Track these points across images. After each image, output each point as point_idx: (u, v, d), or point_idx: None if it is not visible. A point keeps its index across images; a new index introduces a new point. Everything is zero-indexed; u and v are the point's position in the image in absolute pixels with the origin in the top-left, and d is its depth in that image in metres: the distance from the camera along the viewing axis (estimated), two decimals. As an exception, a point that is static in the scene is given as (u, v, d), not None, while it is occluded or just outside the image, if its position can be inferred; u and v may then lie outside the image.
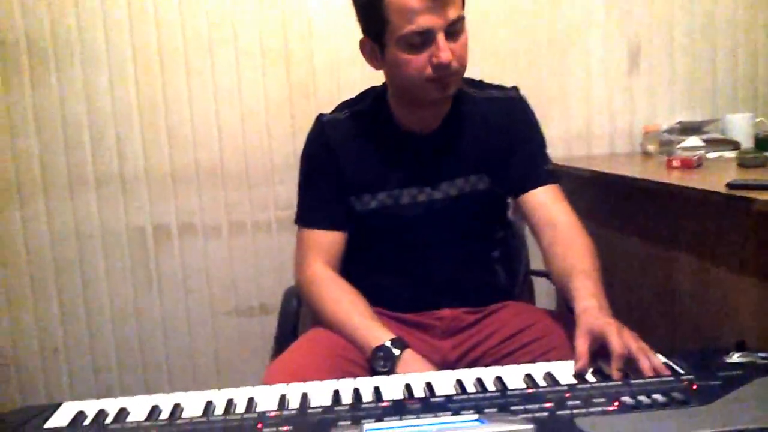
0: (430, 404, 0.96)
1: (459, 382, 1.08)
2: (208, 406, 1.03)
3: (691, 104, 2.41)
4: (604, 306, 1.22)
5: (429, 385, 1.08)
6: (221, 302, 2.32)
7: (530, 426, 0.79)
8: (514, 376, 1.09)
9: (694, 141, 2.12)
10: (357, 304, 1.43)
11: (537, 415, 0.89)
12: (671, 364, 1.07)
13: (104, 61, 2.19)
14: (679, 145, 2.11)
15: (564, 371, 1.10)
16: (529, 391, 0.99)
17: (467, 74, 1.54)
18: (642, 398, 0.91)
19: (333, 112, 1.59)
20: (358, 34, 1.45)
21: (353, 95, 1.61)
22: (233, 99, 2.24)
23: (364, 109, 1.56)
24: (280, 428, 0.90)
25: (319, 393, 1.07)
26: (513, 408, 0.91)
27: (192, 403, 1.05)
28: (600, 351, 1.10)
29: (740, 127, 2.23)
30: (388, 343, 1.31)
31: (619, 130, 2.40)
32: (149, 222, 2.26)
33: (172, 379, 2.32)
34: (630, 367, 1.06)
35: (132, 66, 2.20)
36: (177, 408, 1.03)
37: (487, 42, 2.31)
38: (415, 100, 1.45)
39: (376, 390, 1.07)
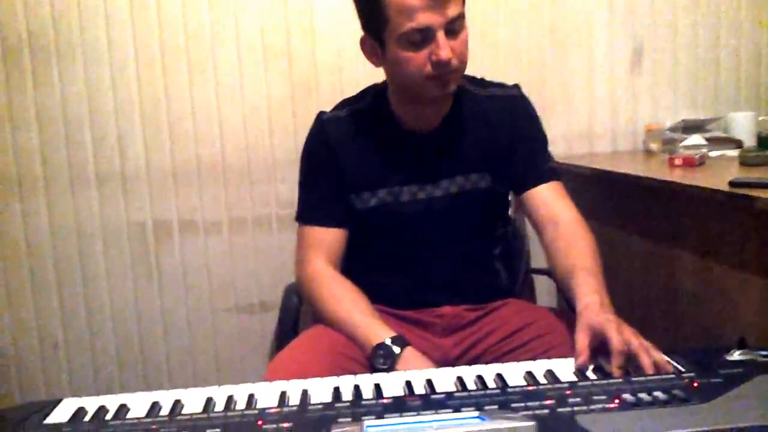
0: (430, 401, 0.96)
1: (459, 379, 1.08)
2: (209, 402, 1.03)
3: (694, 102, 2.40)
4: (605, 303, 1.22)
5: (429, 382, 1.08)
6: (221, 299, 2.32)
7: (531, 423, 0.79)
8: (514, 373, 1.09)
9: (696, 139, 2.12)
10: (357, 301, 1.43)
11: (538, 412, 0.89)
12: (672, 362, 1.07)
13: (106, 57, 2.18)
14: (681, 144, 2.11)
15: (565, 369, 1.10)
16: (530, 388, 0.99)
17: (469, 72, 1.54)
18: (643, 396, 0.91)
19: (333, 109, 1.59)
20: (360, 31, 1.45)
21: (355, 93, 1.61)
22: (235, 96, 2.24)
23: (364, 107, 1.55)
24: (280, 425, 0.90)
25: (320, 390, 1.07)
26: (514, 405, 0.91)
27: (192, 400, 1.05)
28: (600, 348, 1.10)
29: (743, 125, 2.22)
30: (388, 341, 1.31)
31: (621, 128, 2.39)
32: (150, 218, 2.26)
33: (172, 376, 2.32)
34: (631, 364, 1.06)
35: (134, 63, 2.19)
36: (177, 404, 1.03)
37: (490, 40, 2.30)
38: (415, 97, 1.45)
39: (377, 387, 1.07)
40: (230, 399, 1.04)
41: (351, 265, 1.53)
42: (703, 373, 0.98)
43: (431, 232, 1.52)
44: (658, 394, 0.91)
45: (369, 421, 0.87)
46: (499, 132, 1.52)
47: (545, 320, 1.43)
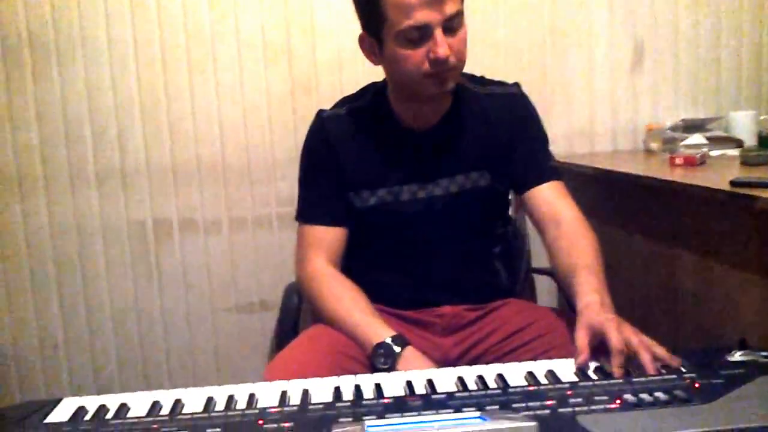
0: (431, 401, 0.96)
1: (460, 379, 1.08)
2: (209, 402, 1.03)
3: (695, 102, 2.40)
4: (606, 302, 1.22)
5: (430, 382, 1.08)
6: (221, 298, 2.31)
7: (532, 423, 0.79)
8: (515, 373, 1.09)
9: (697, 138, 2.11)
10: (358, 300, 1.43)
11: (539, 412, 0.89)
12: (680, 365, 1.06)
13: (106, 55, 2.18)
14: (682, 143, 2.11)
15: (566, 369, 1.10)
16: (531, 388, 0.99)
17: (469, 70, 1.54)
18: (644, 396, 0.91)
19: (333, 107, 1.58)
20: (360, 29, 1.45)
21: (355, 91, 1.61)
22: (235, 94, 2.24)
23: (364, 105, 1.55)
24: (281, 424, 0.90)
25: (320, 389, 1.07)
26: (515, 405, 0.91)
27: (193, 399, 1.04)
28: (601, 348, 1.10)
29: (744, 124, 2.22)
30: (388, 340, 1.31)
31: (622, 127, 2.39)
32: (150, 217, 2.26)
33: (172, 376, 2.32)
34: (631, 363, 1.05)
35: (134, 61, 2.19)
36: (178, 404, 1.03)
37: (490, 39, 2.30)
38: (414, 95, 1.45)
39: (377, 387, 1.07)
40: (231, 398, 1.04)
41: (351, 264, 1.53)
42: (704, 374, 0.98)
43: (431, 231, 1.51)
44: (659, 394, 0.91)
45: (370, 421, 0.87)
46: (499, 130, 1.52)
47: (546, 320, 1.42)
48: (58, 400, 1.06)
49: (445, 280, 1.54)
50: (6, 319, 2.26)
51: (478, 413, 0.87)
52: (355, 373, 1.18)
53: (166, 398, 1.05)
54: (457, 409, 0.91)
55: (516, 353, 1.38)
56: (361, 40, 1.46)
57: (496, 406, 0.92)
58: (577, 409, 0.89)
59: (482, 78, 1.60)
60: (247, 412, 0.96)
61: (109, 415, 1.01)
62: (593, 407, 0.89)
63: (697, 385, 0.95)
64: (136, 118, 2.21)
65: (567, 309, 1.36)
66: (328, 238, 1.51)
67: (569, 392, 0.95)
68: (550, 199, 1.48)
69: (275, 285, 2.21)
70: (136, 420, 0.96)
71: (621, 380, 1.00)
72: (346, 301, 1.43)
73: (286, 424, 0.89)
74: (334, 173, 1.52)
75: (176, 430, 0.91)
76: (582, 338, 1.13)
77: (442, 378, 1.10)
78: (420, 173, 1.50)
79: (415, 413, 0.90)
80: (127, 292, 2.28)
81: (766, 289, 1.44)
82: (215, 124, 2.24)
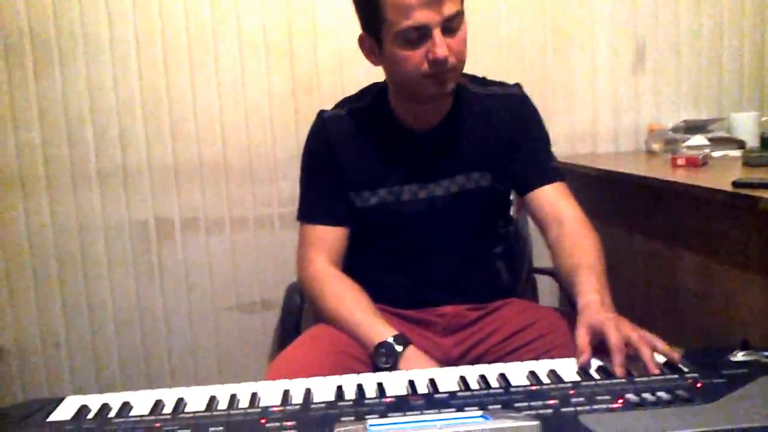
0: (433, 400, 0.96)
1: (462, 378, 1.08)
2: (212, 400, 1.03)
3: (697, 103, 2.40)
4: (606, 302, 1.22)
5: (432, 382, 1.08)
6: (223, 298, 2.32)
7: (535, 423, 0.79)
8: (517, 373, 1.09)
9: (699, 140, 2.12)
10: (359, 300, 1.43)
11: (541, 412, 0.89)
12: (680, 360, 1.06)
13: (107, 54, 2.18)
14: (684, 144, 2.11)
15: (568, 369, 1.10)
16: (533, 388, 0.99)
17: (471, 71, 1.54)
18: (646, 396, 0.91)
19: (334, 108, 1.59)
20: (360, 29, 1.45)
21: (356, 91, 1.61)
22: (236, 94, 2.24)
23: (365, 106, 1.55)
24: (283, 423, 0.90)
25: (323, 389, 1.07)
26: (517, 405, 0.91)
27: (195, 398, 1.04)
28: (602, 347, 1.10)
29: (746, 125, 2.22)
30: (390, 340, 1.31)
31: (623, 128, 2.39)
32: (152, 216, 2.26)
33: (174, 374, 2.32)
34: (632, 363, 1.06)
35: (135, 60, 2.19)
36: (180, 402, 1.03)
37: (492, 39, 2.30)
38: (414, 96, 1.44)
39: (380, 386, 1.07)
40: (233, 397, 1.04)
41: (352, 264, 1.53)
42: (706, 374, 0.98)
43: (432, 231, 1.51)
44: (661, 394, 0.91)
45: (372, 420, 0.86)
46: (500, 130, 1.52)
47: (548, 320, 1.42)
48: (61, 399, 1.06)
49: (446, 280, 1.54)
50: (8, 318, 2.26)
51: (480, 412, 0.87)
52: (357, 372, 1.18)
53: (168, 397, 1.05)
54: (460, 409, 0.91)
55: (518, 353, 1.38)
56: (361, 41, 1.46)
57: (499, 406, 0.92)
58: (579, 408, 0.89)
59: (483, 79, 1.60)
60: (249, 411, 0.96)
61: (112, 414, 1.01)
62: (595, 407, 0.89)
63: (699, 385, 0.95)
64: (137, 117, 2.22)
65: (569, 309, 1.36)
66: (330, 237, 1.51)
67: (571, 392, 0.95)
68: (553, 199, 1.48)
69: (277, 284, 2.21)
70: (138, 419, 0.96)
71: (623, 380, 1.00)
72: (348, 300, 1.43)
73: (289, 423, 0.90)
74: (335, 173, 1.52)
75: (179, 428, 0.91)
76: (582, 337, 1.13)
77: (444, 377, 1.10)
78: (421, 173, 1.50)
79: (418, 412, 0.91)
80: (129, 292, 2.29)
81: (768, 290, 1.44)
82: (217, 124, 2.25)
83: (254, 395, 1.05)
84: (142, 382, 2.30)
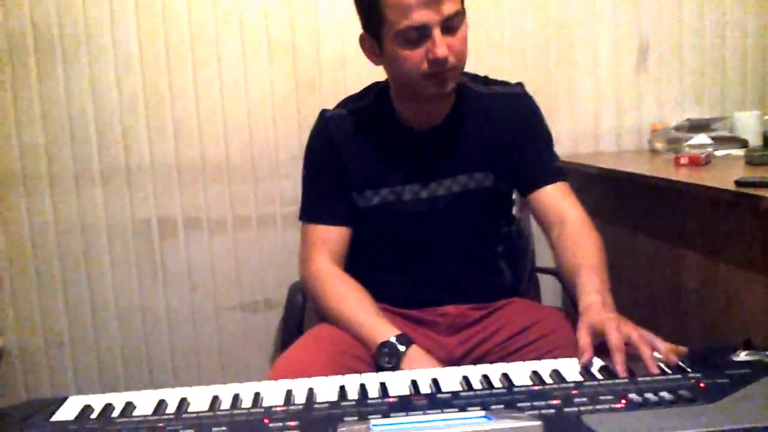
0: (436, 400, 0.96)
1: (465, 378, 1.08)
2: (215, 400, 1.03)
3: (700, 101, 2.40)
4: (607, 302, 1.23)
5: (435, 382, 1.08)
6: (226, 297, 2.32)
7: (537, 423, 0.79)
8: (520, 373, 1.09)
9: (702, 138, 2.11)
10: (362, 300, 1.43)
11: (544, 412, 0.89)
12: (679, 362, 1.06)
13: (111, 53, 2.18)
14: (687, 143, 2.10)
15: (570, 368, 1.10)
16: (536, 388, 0.99)
17: (473, 69, 1.54)
18: (649, 396, 0.91)
19: (336, 107, 1.59)
20: (361, 29, 1.45)
21: (359, 90, 1.61)
22: (239, 93, 2.24)
23: (367, 105, 1.55)
24: (286, 423, 0.90)
25: (325, 388, 1.07)
26: (520, 405, 0.91)
27: (198, 398, 1.05)
28: (604, 347, 1.10)
29: (749, 124, 2.22)
30: (393, 339, 1.31)
31: (626, 127, 2.39)
32: (155, 216, 2.26)
33: (177, 374, 2.33)
34: (634, 361, 1.06)
35: (138, 59, 2.19)
36: (183, 402, 1.03)
37: (494, 38, 2.30)
38: (414, 96, 1.44)
39: (382, 386, 1.07)
40: (236, 397, 1.04)
41: (354, 264, 1.53)
42: (709, 374, 0.98)
43: (434, 230, 1.51)
44: (664, 394, 0.91)
45: (375, 420, 0.87)
46: (502, 130, 1.52)
47: (550, 320, 1.42)
48: (64, 399, 1.07)
49: (448, 280, 1.54)
50: (11, 318, 2.26)
51: (483, 412, 0.87)
52: (359, 372, 1.18)
53: (171, 397, 1.06)
54: (462, 409, 0.91)
55: (520, 353, 1.38)
56: (362, 40, 1.46)
57: (501, 406, 0.92)
58: (582, 408, 0.89)
59: (485, 78, 1.60)
60: (252, 410, 0.96)
61: (115, 414, 1.01)
62: (598, 407, 0.89)
63: (702, 384, 0.95)
64: (140, 116, 2.22)
65: (571, 308, 1.36)
66: (332, 237, 1.51)
67: (574, 392, 0.95)
68: (555, 199, 1.48)
69: (280, 284, 2.21)
70: (141, 419, 0.96)
71: (626, 380, 1.00)
72: (350, 300, 1.43)
73: (292, 423, 0.90)
74: (337, 173, 1.52)
75: (182, 428, 0.91)
76: (584, 338, 1.14)
77: (447, 377, 1.10)
78: (422, 173, 1.50)
79: (420, 412, 0.91)
80: (132, 291, 2.29)
81: (771, 289, 1.44)
82: (219, 123, 2.25)
83: (257, 395, 1.05)
84: (145, 381, 2.30)
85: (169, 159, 2.24)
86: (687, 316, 1.74)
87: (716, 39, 2.37)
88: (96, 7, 2.16)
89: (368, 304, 1.42)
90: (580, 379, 1.05)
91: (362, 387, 1.07)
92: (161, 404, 1.03)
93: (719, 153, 2.03)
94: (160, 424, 0.93)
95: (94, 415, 1.00)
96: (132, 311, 2.30)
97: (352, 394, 1.04)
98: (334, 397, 1.02)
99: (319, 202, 1.54)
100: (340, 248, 1.52)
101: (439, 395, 0.99)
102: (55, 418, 1.00)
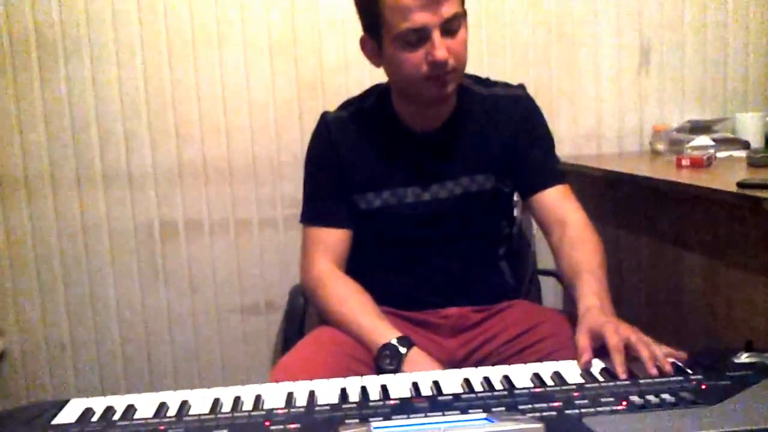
0: (437, 403, 0.96)
1: (466, 380, 1.08)
2: (216, 403, 1.03)
3: (701, 103, 2.39)
4: (606, 306, 1.23)
5: (436, 384, 1.08)
6: (227, 299, 2.32)
7: (539, 425, 0.79)
8: (521, 375, 1.09)
9: (703, 140, 2.11)
10: (363, 302, 1.43)
11: (545, 414, 0.89)
12: (680, 363, 1.06)
13: (113, 56, 2.19)
14: (688, 144, 2.10)
15: (572, 370, 1.10)
16: (537, 390, 0.99)
17: (475, 71, 1.54)
18: (650, 398, 0.91)
19: (337, 110, 1.58)
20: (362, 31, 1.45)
21: (361, 92, 1.61)
22: (241, 95, 2.24)
23: (368, 107, 1.55)
24: (287, 426, 0.90)
25: (327, 391, 1.07)
26: (521, 407, 0.91)
27: (199, 401, 1.05)
28: (603, 350, 1.10)
29: (751, 126, 2.22)
30: (394, 341, 1.31)
31: (628, 128, 2.39)
32: (156, 218, 2.26)
33: (178, 376, 2.32)
34: (634, 362, 1.06)
35: (140, 62, 2.19)
36: (184, 405, 1.03)
37: (496, 40, 2.30)
38: (415, 98, 1.44)
39: (384, 388, 1.07)
40: (237, 400, 1.04)
41: (355, 266, 1.53)
42: (710, 376, 0.98)
43: (436, 233, 1.51)
44: (665, 396, 0.91)
45: (376, 423, 0.86)
46: (504, 132, 1.51)
47: (552, 322, 1.42)
48: (65, 402, 1.07)
49: (450, 282, 1.54)
50: (12, 320, 2.26)
51: (484, 415, 0.87)
52: (361, 374, 1.18)
53: (172, 399, 1.06)
54: (464, 411, 0.91)
55: (522, 355, 1.38)
56: (363, 43, 1.47)
57: (503, 408, 0.92)
58: (583, 410, 0.89)
59: (487, 79, 1.60)
60: (253, 413, 0.96)
61: (116, 417, 1.01)
62: (599, 409, 0.89)
63: (703, 386, 0.95)
64: (142, 119, 2.22)
65: (573, 310, 1.36)
66: (333, 240, 1.51)
67: (575, 394, 0.95)
68: (556, 202, 1.48)
69: (281, 286, 2.21)
70: (143, 421, 0.96)
71: (627, 382, 1.00)
72: (351, 302, 1.43)
73: (293, 426, 0.90)
74: (338, 175, 1.52)
75: (183, 431, 0.91)
76: (583, 340, 1.15)
77: (448, 379, 1.10)
78: (424, 176, 1.50)
79: (422, 415, 0.91)
80: (134, 293, 2.29)
81: (773, 291, 1.43)
82: (221, 125, 2.25)
83: (258, 397, 1.05)
84: (146, 383, 2.30)
85: (170, 161, 2.24)
86: (688, 317, 1.74)
87: (718, 40, 2.37)
88: (98, 10, 2.16)
89: (369, 306, 1.42)
90: (582, 381, 1.05)
91: (363, 389, 1.07)
92: (162, 407, 1.03)
93: (721, 154, 2.03)
94: (162, 427, 0.93)
95: (95, 418, 1.00)
96: (133, 314, 2.30)
97: (354, 396, 1.04)
98: (335, 400, 1.02)
99: (320, 204, 1.54)
100: (341, 251, 1.52)
101: (440, 397, 0.99)
102: (57, 421, 1.00)
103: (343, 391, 1.06)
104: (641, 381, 0.99)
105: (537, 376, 1.08)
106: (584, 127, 2.38)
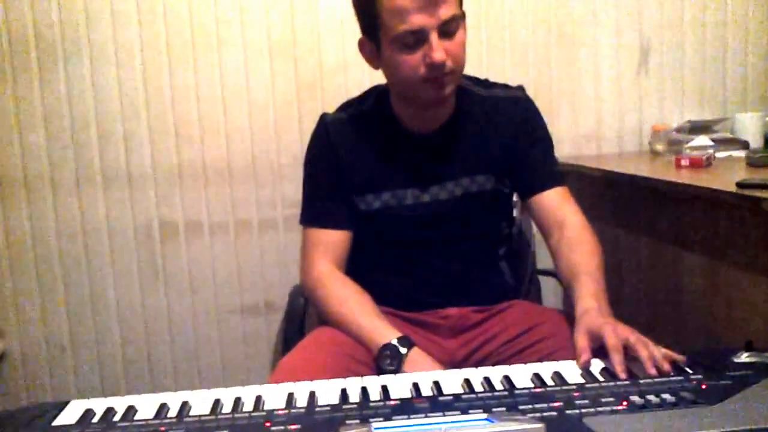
0: (438, 403, 0.96)
1: (467, 381, 1.08)
2: (216, 404, 1.03)
3: (701, 103, 2.40)
4: (604, 308, 1.24)
5: (437, 384, 1.08)
6: (227, 300, 2.32)
7: (539, 425, 0.79)
8: (522, 375, 1.09)
9: (703, 140, 2.11)
10: (363, 303, 1.43)
11: (545, 414, 0.89)
12: (679, 362, 1.07)
13: (112, 57, 2.19)
14: (687, 145, 2.10)
15: (572, 370, 1.10)
16: (538, 390, 0.99)
17: (474, 72, 1.54)
18: (651, 397, 0.91)
19: (336, 111, 1.58)
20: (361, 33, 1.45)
21: (359, 94, 1.61)
22: (241, 96, 2.24)
23: (367, 109, 1.55)
24: (288, 426, 0.90)
25: (327, 392, 1.07)
26: (521, 407, 0.92)
27: (200, 402, 1.05)
28: (602, 351, 1.11)
29: (750, 126, 2.22)
30: (394, 342, 1.31)
31: (627, 129, 2.39)
32: (156, 219, 2.26)
33: (178, 377, 2.32)
34: (634, 362, 1.06)
35: (140, 63, 2.19)
36: (185, 406, 1.03)
37: (495, 41, 2.30)
38: (413, 100, 1.44)
39: (384, 389, 1.07)
40: (238, 400, 1.04)
41: (355, 267, 1.53)
42: (711, 375, 0.98)
43: (435, 234, 1.51)
44: (666, 396, 0.92)
45: (377, 423, 0.87)
46: (503, 133, 1.51)
47: (552, 322, 1.42)
48: (65, 403, 1.07)
49: (450, 282, 1.54)
50: (12, 321, 2.26)
51: (484, 415, 0.87)
52: (361, 375, 1.18)
53: (173, 400, 1.06)
54: (464, 411, 0.91)
55: (522, 355, 1.38)
56: (361, 45, 1.47)
57: (503, 408, 0.92)
58: (583, 410, 0.89)
59: (486, 81, 1.60)
60: (254, 414, 0.96)
61: (117, 418, 1.01)
62: (600, 409, 0.89)
63: (703, 386, 0.95)
64: (142, 120, 2.22)
65: (572, 311, 1.36)
66: (333, 241, 1.51)
67: (576, 394, 0.96)
68: (555, 204, 1.48)
69: (281, 287, 2.21)
70: (143, 422, 0.96)
71: (627, 382, 1.00)
72: (352, 303, 1.43)
73: (294, 426, 0.90)
74: (338, 177, 1.52)
75: (183, 432, 0.91)
76: (582, 341, 1.15)
77: (449, 380, 1.10)
78: (424, 177, 1.50)
79: (422, 415, 0.91)
80: (134, 294, 2.29)
81: (773, 291, 1.44)
82: (221, 126, 2.25)
83: (259, 398, 1.05)
84: (146, 384, 2.30)
85: (170, 162, 2.24)
86: (688, 317, 1.74)
87: (717, 40, 2.37)
88: (97, 11, 2.16)
89: (369, 306, 1.42)
90: (582, 381, 1.05)
91: (364, 390, 1.07)
92: (163, 408, 1.03)
93: (720, 155, 2.03)
94: (162, 428, 0.93)
95: (95, 420, 1.00)
96: (133, 314, 2.30)
97: (354, 397, 1.04)
98: (336, 400, 1.02)
99: (319, 205, 1.54)
100: (341, 251, 1.52)
101: (440, 398, 0.99)
102: (57, 422, 1.00)
103: (344, 391, 1.06)
104: (641, 381, 0.99)
105: (537, 377, 1.08)
106: (584, 127, 2.38)
